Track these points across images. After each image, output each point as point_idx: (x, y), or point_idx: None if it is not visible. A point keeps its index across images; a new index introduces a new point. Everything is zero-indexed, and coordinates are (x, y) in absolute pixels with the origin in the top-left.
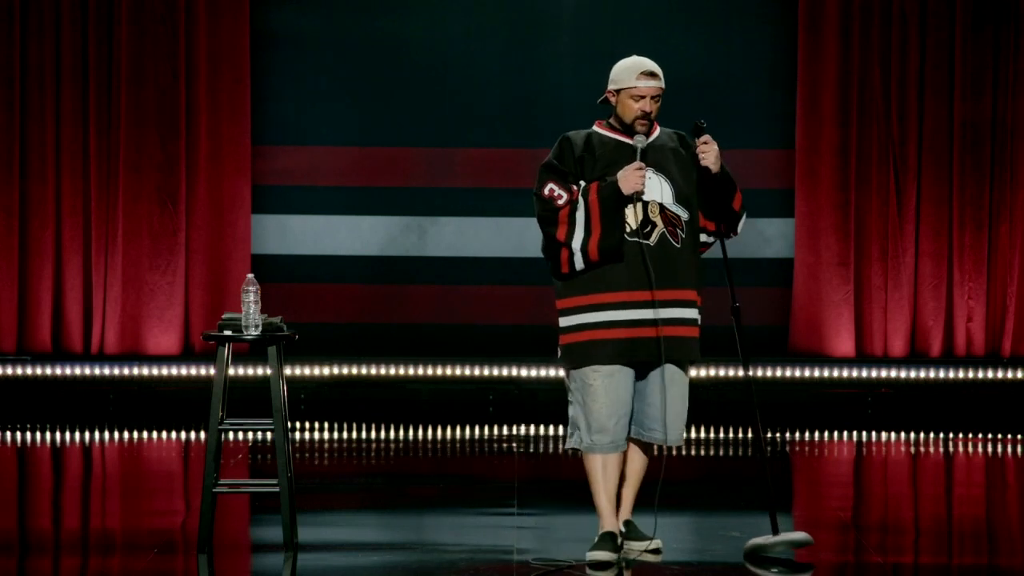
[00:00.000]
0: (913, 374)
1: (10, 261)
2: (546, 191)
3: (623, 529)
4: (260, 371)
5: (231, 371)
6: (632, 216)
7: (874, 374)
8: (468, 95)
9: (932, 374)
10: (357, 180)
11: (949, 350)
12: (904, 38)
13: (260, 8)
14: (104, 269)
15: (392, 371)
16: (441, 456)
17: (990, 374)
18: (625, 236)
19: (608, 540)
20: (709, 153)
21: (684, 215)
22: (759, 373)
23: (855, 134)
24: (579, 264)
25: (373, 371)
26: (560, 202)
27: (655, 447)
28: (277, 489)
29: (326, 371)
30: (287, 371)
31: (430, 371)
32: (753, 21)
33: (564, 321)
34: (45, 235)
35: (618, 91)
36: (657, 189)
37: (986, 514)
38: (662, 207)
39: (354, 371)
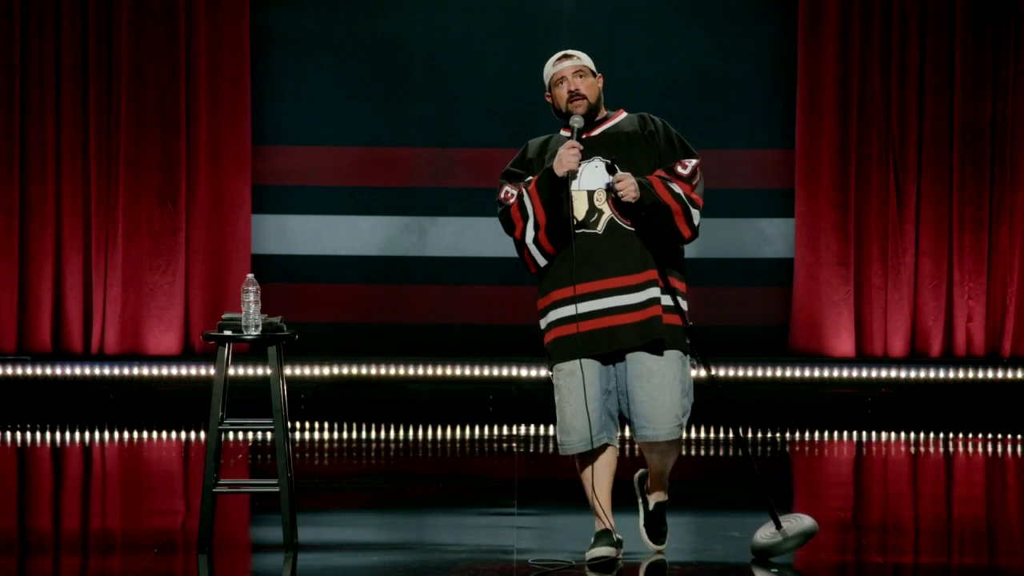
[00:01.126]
0: (913, 374)
1: (10, 261)
2: (502, 194)
3: (651, 508)
4: (260, 371)
5: (231, 371)
6: (577, 207)
7: (874, 374)
8: (468, 95)
9: (932, 374)
10: (357, 180)
11: (949, 350)
12: (904, 38)
13: (260, 8)
14: (104, 269)
15: (392, 371)
16: (441, 456)
17: (990, 374)
18: (573, 230)
19: (604, 537)
20: (626, 189)
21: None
22: (759, 373)
23: (855, 134)
24: (539, 259)
25: (373, 371)
26: (511, 200)
27: (681, 437)
28: (277, 489)
29: (326, 371)
30: (287, 371)
31: (430, 371)
32: (753, 21)
33: (541, 323)
34: (45, 235)
35: (549, 88)
36: (604, 175)
37: (986, 514)
38: (608, 190)
39: (354, 371)
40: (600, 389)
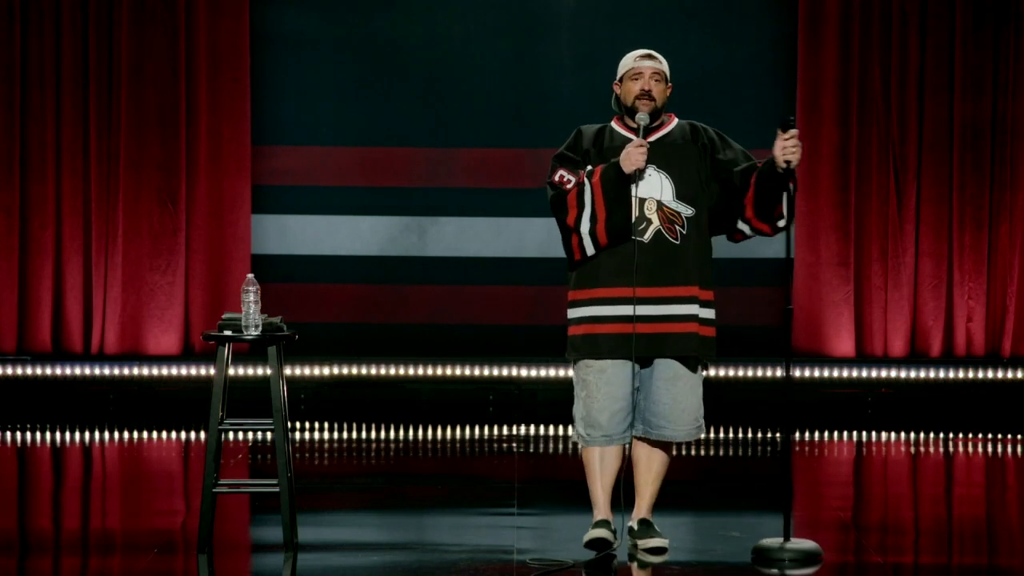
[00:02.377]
0: (913, 374)
1: (10, 261)
2: (556, 177)
3: (635, 528)
4: (260, 371)
5: (231, 371)
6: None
7: (874, 374)
8: (468, 95)
9: (932, 374)
10: (357, 180)
11: (949, 350)
12: (904, 38)
13: (260, 8)
14: (104, 269)
15: (392, 371)
16: (441, 456)
17: (990, 374)
18: (631, 217)
19: (602, 525)
20: (797, 151)
21: (687, 212)
22: (759, 373)
23: (855, 134)
24: (589, 249)
25: (373, 371)
26: (568, 186)
27: (672, 445)
28: (277, 489)
29: (326, 371)
30: (287, 371)
31: (430, 371)
32: (753, 21)
33: (569, 313)
34: (45, 235)
35: (620, 80)
36: (657, 186)
37: (986, 514)
38: (659, 204)
39: (354, 371)
40: (630, 389)
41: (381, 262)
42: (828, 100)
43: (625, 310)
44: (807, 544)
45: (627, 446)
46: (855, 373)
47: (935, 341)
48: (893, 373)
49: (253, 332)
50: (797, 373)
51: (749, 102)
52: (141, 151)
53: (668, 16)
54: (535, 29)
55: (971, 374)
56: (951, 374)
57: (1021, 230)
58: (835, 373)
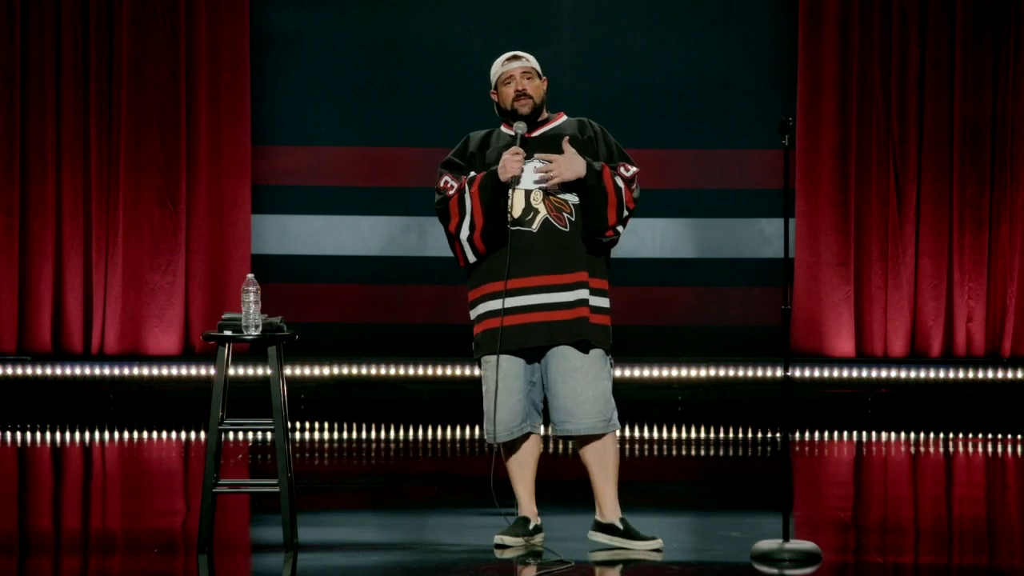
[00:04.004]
0: (913, 374)
1: (10, 261)
2: (441, 183)
3: (620, 527)
4: (260, 371)
5: (231, 371)
6: (514, 205)
7: (874, 374)
8: (468, 95)
9: (932, 374)
10: (357, 180)
11: (949, 350)
12: (904, 38)
13: (260, 8)
14: (104, 269)
15: (392, 371)
16: (441, 456)
17: (990, 374)
18: (507, 227)
19: (518, 525)
20: (559, 171)
21: (574, 199)
22: (759, 373)
23: (855, 134)
24: (470, 255)
25: (373, 371)
26: (451, 192)
27: (608, 438)
28: (277, 489)
29: (326, 371)
30: (287, 371)
31: (430, 371)
32: (753, 21)
33: (471, 313)
34: (45, 235)
35: (495, 87)
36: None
37: (986, 514)
38: (545, 193)
39: (354, 371)
40: (525, 381)
41: (381, 262)
42: (828, 100)
43: (515, 302)
44: (806, 545)
45: (536, 434)
46: (855, 373)
47: (935, 341)
48: (893, 373)
49: (253, 332)
50: (797, 373)
51: (749, 102)
52: (141, 151)
53: (668, 16)
54: (535, 29)
55: (971, 374)
56: (951, 374)
57: (1021, 230)
58: (835, 373)
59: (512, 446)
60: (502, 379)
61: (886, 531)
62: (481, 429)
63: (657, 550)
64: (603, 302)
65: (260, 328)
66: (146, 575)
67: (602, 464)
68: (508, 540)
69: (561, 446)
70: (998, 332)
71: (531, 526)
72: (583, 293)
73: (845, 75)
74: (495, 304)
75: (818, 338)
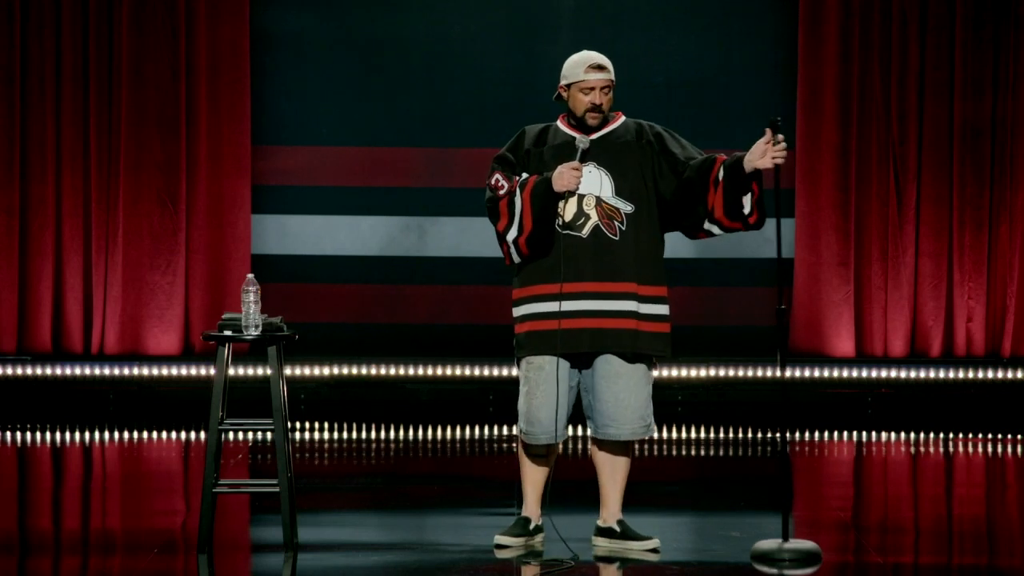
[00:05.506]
0: (913, 374)
1: (10, 261)
2: (492, 180)
3: (617, 529)
4: (260, 371)
5: (231, 371)
6: (566, 209)
7: (874, 374)
8: (468, 95)
9: (932, 374)
10: (357, 180)
11: (949, 350)
12: (904, 38)
13: (260, 8)
14: (104, 269)
15: (392, 371)
16: (441, 456)
17: (990, 374)
18: (558, 229)
19: (518, 525)
20: (783, 156)
21: (626, 208)
22: (759, 373)
23: (855, 134)
24: (515, 257)
25: (373, 371)
26: (501, 192)
27: (630, 446)
28: (277, 489)
29: (326, 371)
30: (287, 371)
31: (430, 371)
32: (753, 21)
33: (514, 312)
34: (45, 235)
35: (568, 86)
36: (596, 182)
37: (986, 514)
38: (599, 200)
39: (354, 371)
40: (567, 385)
41: (381, 262)
42: (828, 100)
43: (566, 306)
44: (806, 544)
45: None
46: (855, 373)
47: (935, 341)
48: (893, 373)
49: (253, 332)
50: (797, 373)
51: (749, 102)
52: (141, 151)
53: (668, 16)
54: (535, 29)
55: (971, 374)
56: (951, 374)
57: (1021, 230)
58: (835, 373)
59: (535, 448)
60: (545, 381)
61: (886, 531)
62: (481, 429)
63: (654, 550)
64: (658, 309)
65: (260, 328)
66: (146, 575)
67: (613, 468)
68: (508, 540)
69: (561, 446)
70: (998, 332)
71: (531, 526)
72: (630, 304)
73: (845, 75)
74: (544, 306)
75: (818, 338)
